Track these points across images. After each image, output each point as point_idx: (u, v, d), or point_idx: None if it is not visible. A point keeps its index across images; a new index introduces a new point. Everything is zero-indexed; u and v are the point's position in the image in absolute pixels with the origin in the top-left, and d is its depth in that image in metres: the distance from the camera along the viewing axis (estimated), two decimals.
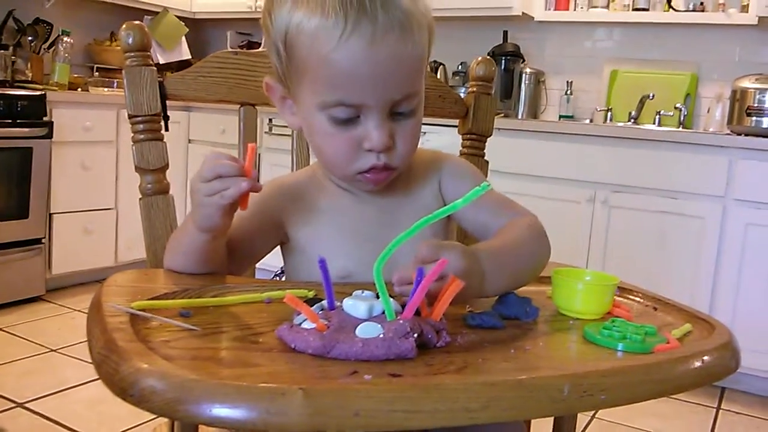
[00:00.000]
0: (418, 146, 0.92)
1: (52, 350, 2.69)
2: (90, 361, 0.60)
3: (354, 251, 0.92)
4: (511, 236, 0.88)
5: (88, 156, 3.42)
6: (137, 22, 1.06)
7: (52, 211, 3.30)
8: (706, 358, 0.69)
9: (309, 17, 0.78)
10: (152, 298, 0.74)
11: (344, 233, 0.94)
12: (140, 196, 1.06)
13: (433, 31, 0.86)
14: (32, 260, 3.22)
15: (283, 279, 1.04)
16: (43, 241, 3.26)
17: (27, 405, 2.22)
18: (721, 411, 2.55)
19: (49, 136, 3.19)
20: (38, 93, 3.19)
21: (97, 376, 0.58)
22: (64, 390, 2.34)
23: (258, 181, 0.79)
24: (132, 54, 1.04)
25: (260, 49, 1.18)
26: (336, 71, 0.79)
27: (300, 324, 0.66)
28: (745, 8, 3.09)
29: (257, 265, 1.07)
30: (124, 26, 1.04)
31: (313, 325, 0.65)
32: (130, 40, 1.03)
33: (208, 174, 0.78)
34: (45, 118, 3.19)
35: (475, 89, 1.24)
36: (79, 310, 3.17)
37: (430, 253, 0.73)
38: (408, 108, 0.85)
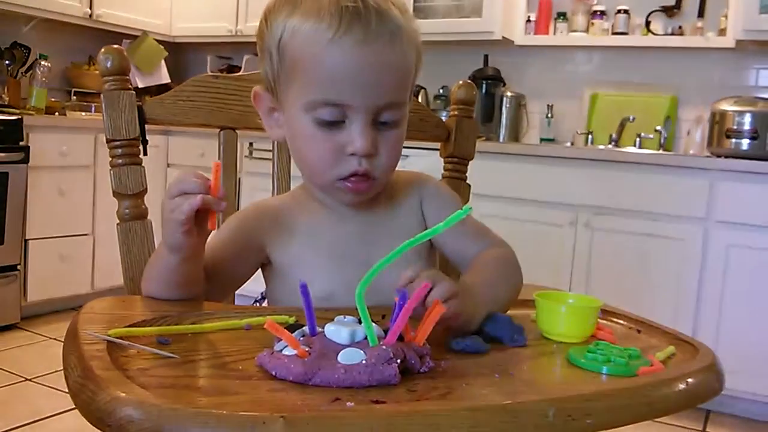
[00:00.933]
0: (400, 167, 0.93)
1: (26, 379, 2.64)
2: (65, 390, 0.59)
3: (336, 271, 0.91)
4: (489, 271, 0.90)
5: (64, 181, 3.39)
6: (116, 45, 1.06)
7: (27, 237, 3.26)
8: (690, 380, 0.69)
9: (304, 21, 0.81)
10: (130, 326, 0.73)
11: (325, 253, 0.93)
12: (118, 222, 1.05)
13: (420, 52, 0.89)
14: (7, 287, 3.17)
15: (264, 304, 1.03)
16: (18, 267, 3.21)
17: None
18: None
19: (26, 160, 3.16)
20: (15, 117, 3.16)
21: (73, 406, 0.56)
22: (39, 420, 2.29)
23: (224, 200, 0.77)
24: (111, 78, 1.03)
25: (240, 73, 1.17)
26: (326, 69, 0.81)
27: (281, 350, 0.65)
28: (722, 32, 3.15)
29: (236, 291, 1.06)
30: (102, 50, 1.03)
31: (294, 352, 0.64)
32: (109, 64, 1.03)
33: (173, 190, 0.77)
34: (21, 143, 3.16)
35: (456, 113, 1.24)
36: (54, 339, 3.12)
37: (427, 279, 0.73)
38: (391, 118, 0.86)
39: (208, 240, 0.86)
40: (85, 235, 3.54)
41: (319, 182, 0.91)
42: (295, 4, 0.83)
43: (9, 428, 2.22)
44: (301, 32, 0.82)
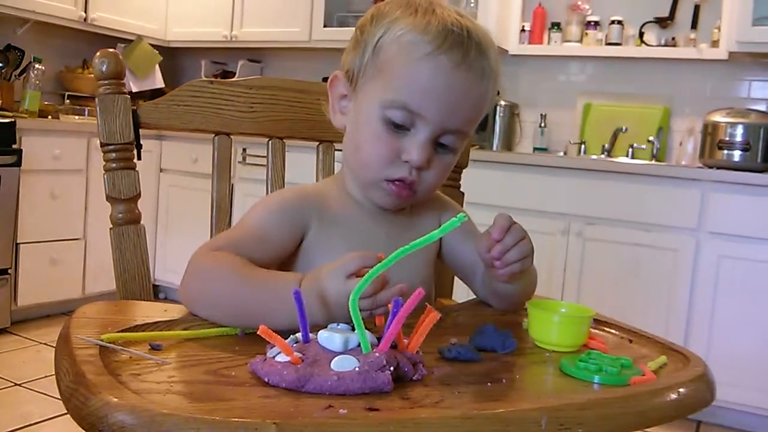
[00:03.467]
0: None
1: (16, 384, 2.62)
2: (56, 395, 0.59)
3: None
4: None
5: (57, 185, 3.38)
6: (111, 49, 1.05)
7: (18, 241, 3.24)
8: (681, 389, 0.69)
9: (410, 29, 0.86)
10: (122, 331, 0.72)
11: (351, 246, 0.93)
12: (111, 226, 1.04)
13: (494, 99, 0.96)
14: None
15: None
16: (9, 271, 3.20)
17: None
18: None
19: (18, 164, 3.15)
20: (8, 120, 3.15)
21: (64, 412, 0.56)
22: (28, 426, 2.28)
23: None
24: (105, 82, 1.03)
25: (235, 79, 1.17)
26: (415, 77, 0.85)
27: (274, 357, 0.65)
28: (715, 43, 3.17)
29: None
30: (98, 54, 1.03)
31: (288, 359, 0.64)
32: (104, 68, 1.03)
33: (369, 292, 0.71)
34: (14, 146, 3.14)
35: None
36: (45, 343, 3.10)
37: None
38: (451, 143, 0.91)
39: (247, 220, 0.90)
40: (77, 239, 3.52)
41: (365, 177, 0.94)
42: (406, 12, 0.87)
43: None
44: (404, 38, 0.86)
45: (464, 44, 0.85)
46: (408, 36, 0.86)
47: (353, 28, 0.95)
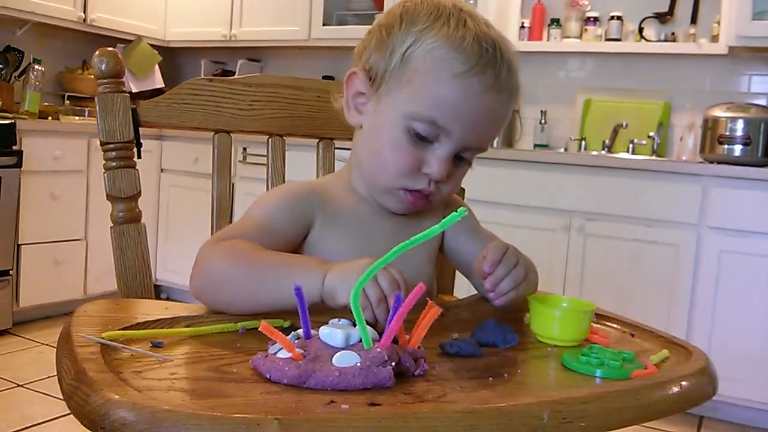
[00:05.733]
0: None
1: (18, 385, 2.62)
2: (58, 396, 0.59)
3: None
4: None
5: (57, 185, 3.38)
6: (110, 48, 1.05)
7: (20, 242, 3.24)
8: (684, 383, 0.69)
9: (443, 44, 0.85)
10: (123, 328, 0.72)
11: (356, 242, 0.94)
12: (111, 225, 1.04)
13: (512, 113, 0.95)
14: None
15: None
16: (10, 272, 3.20)
17: None
18: None
19: (19, 165, 3.15)
20: (8, 122, 3.15)
21: (66, 412, 0.56)
22: (31, 426, 2.28)
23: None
24: (105, 81, 1.03)
25: (236, 77, 1.17)
26: (445, 94, 0.85)
27: (275, 353, 0.65)
28: (715, 38, 3.16)
29: None
30: (97, 52, 1.03)
31: (289, 355, 0.63)
32: (104, 67, 1.02)
33: (386, 284, 0.72)
34: (14, 147, 3.14)
35: None
36: (47, 344, 3.10)
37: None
38: (469, 157, 0.92)
39: (252, 212, 0.90)
40: (78, 240, 3.52)
41: (381, 182, 0.93)
42: (438, 21, 0.86)
43: None
44: (436, 53, 0.85)
45: (497, 65, 0.85)
46: (441, 51, 0.85)
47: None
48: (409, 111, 0.87)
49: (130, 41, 4.09)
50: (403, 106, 0.87)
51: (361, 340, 0.66)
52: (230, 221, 1.14)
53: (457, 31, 0.85)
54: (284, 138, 1.19)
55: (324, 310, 0.75)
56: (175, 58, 4.60)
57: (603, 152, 3.40)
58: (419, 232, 0.69)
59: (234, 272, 0.80)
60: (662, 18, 3.37)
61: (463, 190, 1.26)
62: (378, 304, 0.72)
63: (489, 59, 0.85)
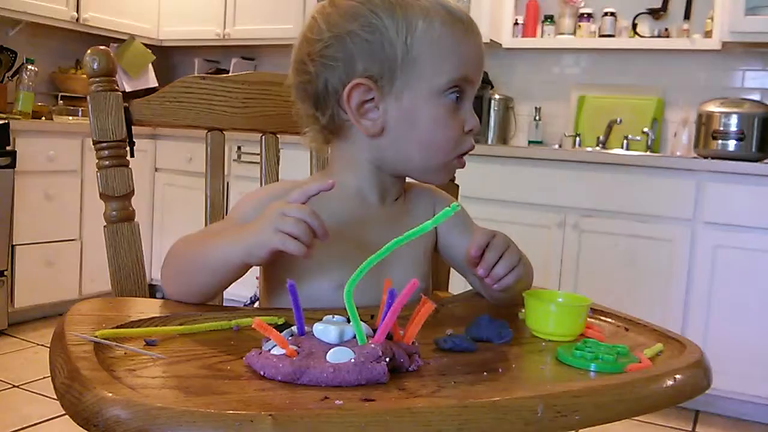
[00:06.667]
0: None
1: (14, 386, 2.62)
2: (54, 397, 0.58)
3: (355, 260, 0.91)
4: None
5: (51, 186, 3.37)
6: (102, 47, 1.05)
7: (14, 242, 3.23)
8: (678, 376, 0.69)
9: (441, 21, 0.90)
10: (117, 327, 0.72)
11: (344, 239, 0.93)
12: (105, 224, 1.04)
13: None
14: None
15: (255, 306, 1.02)
16: (5, 273, 3.19)
17: None
18: None
19: (12, 165, 3.14)
20: (1, 122, 3.13)
21: (62, 413, 0.56)
22: (28, 427, 2.27)
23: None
24: (97, 79, 1.03)
25: (230, 74, 1.17)
26: (464, 53, 0.92)
27: (269, 350, 0.65)
28: (708, 34, 3.17)
29: (225, 296, 1.05)
30: (89, 51, 1.03)
31: (283, 351, 0.63)
32: (96, 65, 1.02)
33: (294, 212, 0.78)
34: (8, 147, 3.13)
35: None
36: (42, 345, 3.09)
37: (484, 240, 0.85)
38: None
39: (231, 213, 0.93)
40: (73, 240, 3.51)
41: (437, 162, 0.95)
42: (426, 11, 0.91)
43: None
44: (437, 28, 0.90)
45: (473, 24, 0.94)
46: (441, 27, 0.90)
47: None
48: (440, 84, 0.90)
49: (123, 40, 4.07)
50: (433, 83, 0.90)
51: (355, 336, 0.66)
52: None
53: (442, 9, 0.91)
54: (277, 136, 1.19)
55: (318, 308, 0.75)
56: (168, 57, 4.59)
57: (597, 148, 3.40)
58: (409, 226, 0.69)
59: (180, 260, 0.87)
60: (656, 14, 3.38)
61: (457, 187, 1.26)
62: (296, 224, 0.76)
63: (468, 20, 0.94)
